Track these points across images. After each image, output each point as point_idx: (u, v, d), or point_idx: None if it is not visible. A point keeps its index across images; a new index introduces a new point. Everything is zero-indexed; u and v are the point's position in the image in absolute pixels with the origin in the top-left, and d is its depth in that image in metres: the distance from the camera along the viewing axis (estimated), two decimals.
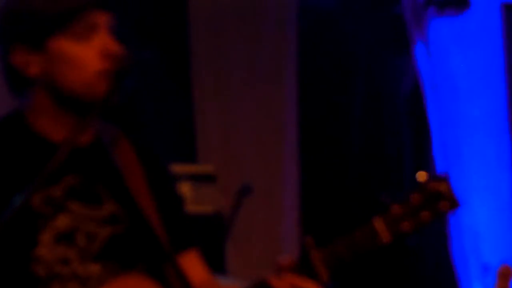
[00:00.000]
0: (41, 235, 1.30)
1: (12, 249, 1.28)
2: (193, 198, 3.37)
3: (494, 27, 4.09)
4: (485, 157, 3.99)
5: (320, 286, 1.30)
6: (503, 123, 4.04)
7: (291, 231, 3.63)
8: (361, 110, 4.03)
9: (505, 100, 4.04)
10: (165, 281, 1.37)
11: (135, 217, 1.38)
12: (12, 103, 1.49)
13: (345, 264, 1.32)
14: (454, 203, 1.32)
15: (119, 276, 1.33)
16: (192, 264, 1.44)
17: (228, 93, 3.68)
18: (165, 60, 3.58)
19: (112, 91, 1.23)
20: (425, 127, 3.92)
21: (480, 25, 4.03)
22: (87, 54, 1.28)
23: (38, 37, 1.27)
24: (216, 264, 2.38)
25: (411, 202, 1.32)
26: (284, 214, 3.66)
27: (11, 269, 1.29)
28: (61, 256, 1.32)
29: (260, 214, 3.55)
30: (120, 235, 1.35)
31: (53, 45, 1.29)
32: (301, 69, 3.75)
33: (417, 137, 4.03)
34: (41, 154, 1.29)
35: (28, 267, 1.28)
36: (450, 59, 3.96)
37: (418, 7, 3.93)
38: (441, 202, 1.32)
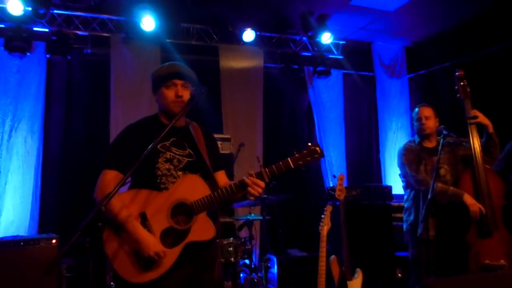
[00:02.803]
0: (160, 159, 2.02)
1: (150, 163, 2.00)
2: (222, 148, 4.71)
3: (339, 83, 6.15)
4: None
5: (263, 183, 1.94)
6: (342, 123, 5.96)
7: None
8: (288, 117, 5.95)
9: (342, 115, 5.86)
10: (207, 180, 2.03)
11: (197, 156, 2.09)
12: None
13: (275, 175, 1.96)
14: (322, 155, 1.99)
15: (187, 175, 2.01)
16: (221, 176, 2.22)
17: (235, 108, 5.44)
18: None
19: (186, 106, 1.90)
20: (313, 126, 5.84)
21: (334, 82, 6.08)
22: (170, 94, 2.03)
23: (158, 86, 2.03)
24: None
25: (303, 153, 1.96)
26: (255, 156, 5.02)
27: (149, 171, 2.00)
28: (167, 167, 2.02)
29: (246, 155, 4.90)
30: (192, 161, 2.09)
31: (161, 90, 2.07)
32: (264, 100, 5.58)
33: (309, 129, 5.94)
34: (160, 128, 1.99)
35: (155, 170, 2.02)
36: (323, 96, 5.95)
37: (310, 73, 5.93)
38: (316, 154, 1.99)
